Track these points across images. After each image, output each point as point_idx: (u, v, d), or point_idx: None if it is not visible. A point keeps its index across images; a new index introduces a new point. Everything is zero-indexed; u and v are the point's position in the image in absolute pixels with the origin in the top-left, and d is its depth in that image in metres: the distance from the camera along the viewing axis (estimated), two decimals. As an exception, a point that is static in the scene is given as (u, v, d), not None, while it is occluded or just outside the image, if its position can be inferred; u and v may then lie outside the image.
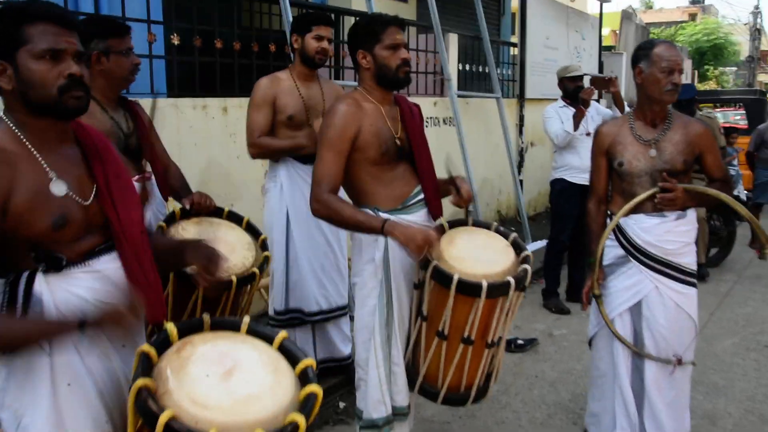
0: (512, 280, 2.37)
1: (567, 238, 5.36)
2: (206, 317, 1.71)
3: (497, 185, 8.11)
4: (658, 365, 2.90)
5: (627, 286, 2.93)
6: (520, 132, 8.44)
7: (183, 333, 1.65)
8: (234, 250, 2.70)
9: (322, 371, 3.59)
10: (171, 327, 1.64)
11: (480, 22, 7.27)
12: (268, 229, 3.44)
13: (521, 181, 8.27)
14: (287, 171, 3.47)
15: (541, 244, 6.69)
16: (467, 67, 7.50)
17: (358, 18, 2.72)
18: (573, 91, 5.29)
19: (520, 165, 8.41)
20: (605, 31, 19.32)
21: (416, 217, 2.66)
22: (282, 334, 1.71)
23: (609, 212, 3.02)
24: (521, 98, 8.45)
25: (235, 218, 2.89)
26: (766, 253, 2.74)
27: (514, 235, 2.63)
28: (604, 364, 3.05)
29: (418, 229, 2.41)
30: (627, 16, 12.80)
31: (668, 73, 2.79)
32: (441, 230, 2.62)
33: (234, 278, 2.56)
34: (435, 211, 2.71)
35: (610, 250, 3.00)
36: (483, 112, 7.68)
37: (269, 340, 1.70)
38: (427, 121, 6.66)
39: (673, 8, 35.30)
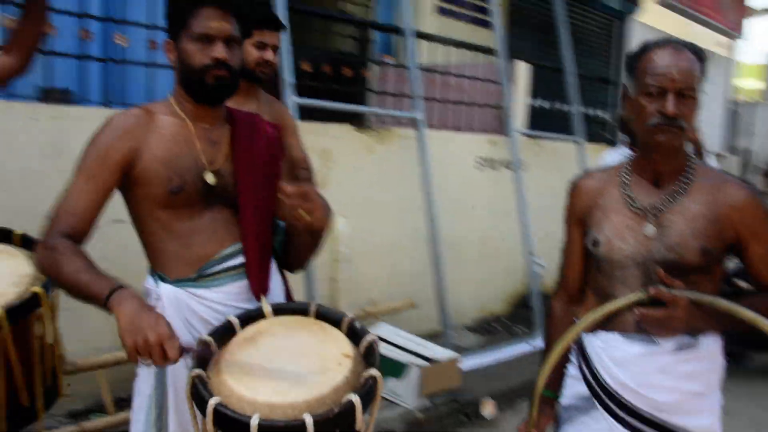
0: (309, 419, 1.35)
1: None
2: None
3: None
4: None
5: None
6: (612, 184, 7.11)
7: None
8: None
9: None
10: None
11: (562, 49, 6.16)
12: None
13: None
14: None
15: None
16: (548, 105, 6.36)
17: None
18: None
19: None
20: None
21: (223, 295, 1.71)
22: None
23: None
24: (614, 145, 7.15)
25: (28, 244, 2.10)
26: None
27: (371, 339, 1.59)
28: None
29: (153, 322, 1.40)
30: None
31: (656, 96, 1.63)
32: (253, 316, 1.64)
33: None
34: (257, 285, 1.74)
35: (572, 383, 1.86)
36: (563, 158, 6.49)
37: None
38: (479, 163, 5.62)
39: None
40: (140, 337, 1.37)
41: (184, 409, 1.63)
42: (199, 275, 1.69)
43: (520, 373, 4.58)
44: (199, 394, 1.41)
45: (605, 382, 1.73)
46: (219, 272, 1.71)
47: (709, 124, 9.43)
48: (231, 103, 1.84)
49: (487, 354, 4.83)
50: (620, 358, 1.71)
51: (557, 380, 1.89)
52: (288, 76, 3.95)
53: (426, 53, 5.36)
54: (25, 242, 2.12)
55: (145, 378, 1.71)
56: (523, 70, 6.01)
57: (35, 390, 2.03)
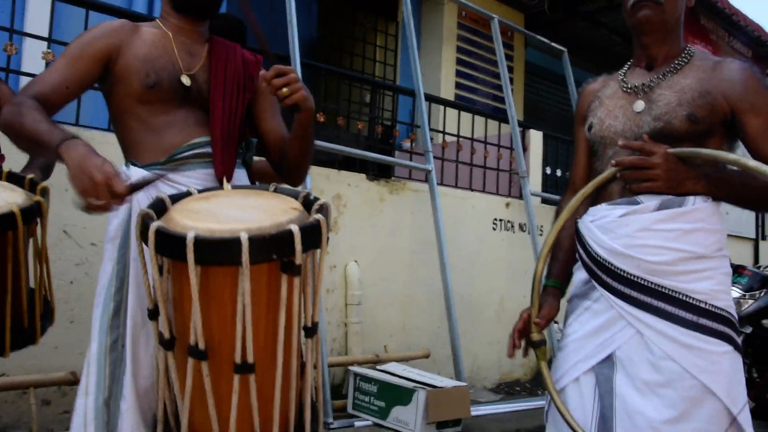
0: (245, 235, 1.39)
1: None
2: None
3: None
4: None
5: (591, 330, 1.72)
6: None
7: None
8: None
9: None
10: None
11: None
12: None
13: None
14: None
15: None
16: (558, 172, 6.48)
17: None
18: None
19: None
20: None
21: (190, 179, 1.81)
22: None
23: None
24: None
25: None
26: None
27: (323, 202, 1.64)
28: None
29: (99, 164, 1.48)
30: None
31: None
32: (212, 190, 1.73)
33: None
34: (221, 171, 1.83)
35: (575, 275, 1.86)
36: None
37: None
38: (495, 224, 5.68)
39: None
40: (87, 178, 1.46)
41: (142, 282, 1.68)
42: (168, 160, 1.80)
43: (537, 418, 4.39)
44: (144, 225, 1.47)
45: (597, 254, 1.70)
46: (187, 158, 1.82)
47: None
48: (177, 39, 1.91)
49: (503, 405, 4.66)
50: (606, 224, 1.70)
51: (563, 272, 1.88)
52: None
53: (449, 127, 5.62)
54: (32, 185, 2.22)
55: (109, 256, 1.77)
56: (536, 139, 6.19)
57: (5, 324, 2.01)
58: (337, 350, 4.49)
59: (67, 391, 3.39)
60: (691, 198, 1.66)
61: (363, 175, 4.77)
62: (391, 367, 4.11)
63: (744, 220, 9.58)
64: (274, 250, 1.42)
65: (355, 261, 4.61)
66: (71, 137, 1.57)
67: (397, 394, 3.70)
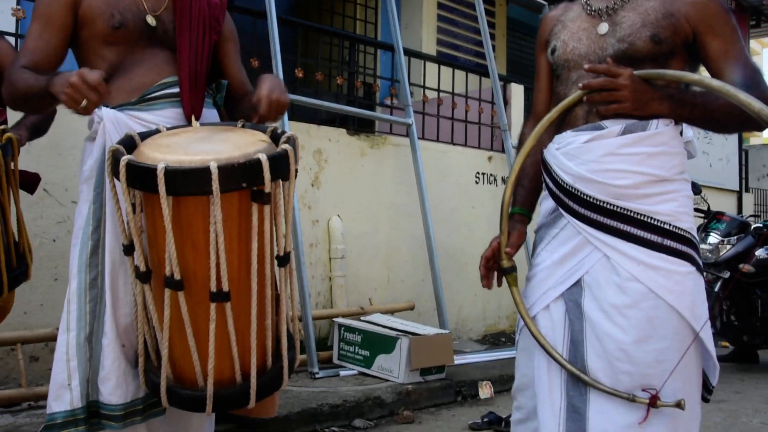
0: (214, 164, 1.41)
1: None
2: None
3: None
4: (613, 403, 1.63)
5: (559, 258, 1.74)
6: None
7: None
8: None
9: None
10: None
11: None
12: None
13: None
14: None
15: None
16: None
17: None
18: None
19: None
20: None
21: (161, 117, 1.83)
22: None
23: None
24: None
25: None
26: None
27: (290, 134, 1.66)
28: (525, 380, 1.84)
29: (73, 72, 1.58)
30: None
31: None
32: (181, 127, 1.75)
33: None
34: (189, 110, 1.85)
35: (542, 204, 1.85)
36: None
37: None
38: (477, 178, 5.71)
39: None
40: (67, 84, 1.55)
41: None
42: (139, 99, 1.82)
43: (521, 365, 4.47)
44: (115, 160, 1.49)
45: (563, 180, 1.71)
46: (158, 98, 1.84)
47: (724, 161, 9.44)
48: None
49: (487, 353, 4.75)
50: (572, 150, 1.70)
51: (529, 199, 1.89)
52: (277, 74, 4.17)
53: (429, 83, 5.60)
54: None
55: (85, 196, 1.80)
56: (518, 92, 6.19)
57: None
58: (322, 304, 4.55)
59: (54, 348, 3.43)
60: (654, 122, 1.68)
61: (343, 130, 4.78)
62: (376, 317, 4.17)
63: (728, 173, 9.68)
64: (244, 179, 1.45)
65: (338, 215, 4.64)
66: (57, 74, 1.64)
67: (381, 343, 3.77)
